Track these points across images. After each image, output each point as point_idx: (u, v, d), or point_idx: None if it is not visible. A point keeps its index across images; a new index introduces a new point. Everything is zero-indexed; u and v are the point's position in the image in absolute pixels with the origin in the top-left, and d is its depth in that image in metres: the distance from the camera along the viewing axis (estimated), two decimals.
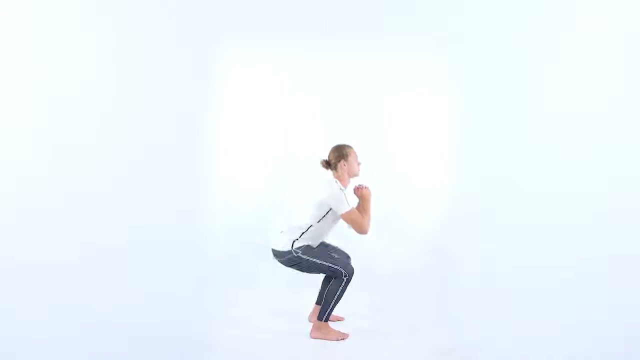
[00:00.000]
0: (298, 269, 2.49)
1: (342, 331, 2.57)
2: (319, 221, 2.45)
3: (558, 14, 3.38)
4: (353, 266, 2.49)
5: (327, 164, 2.56)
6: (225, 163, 3.84)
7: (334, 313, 2.70)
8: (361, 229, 2.42)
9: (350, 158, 2.55)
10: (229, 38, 3.73)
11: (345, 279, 2.44)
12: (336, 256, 2.51)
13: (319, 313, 2.51)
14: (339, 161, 2.52)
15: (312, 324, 2.58)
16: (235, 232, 3.75)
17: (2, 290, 2.70)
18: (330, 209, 2.44)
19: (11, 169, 3.23)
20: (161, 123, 3.44)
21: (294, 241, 2.44)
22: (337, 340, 2.50)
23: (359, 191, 2.55)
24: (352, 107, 3.89)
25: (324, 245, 2.58)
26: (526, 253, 3.09)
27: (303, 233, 2.45)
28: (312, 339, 2.54)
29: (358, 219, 2.41)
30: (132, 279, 2.86)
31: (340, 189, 2.46)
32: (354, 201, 2.50)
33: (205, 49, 3.56)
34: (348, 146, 2.58)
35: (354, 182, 2.62)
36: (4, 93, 3.28)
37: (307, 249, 2.44)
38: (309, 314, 2.76)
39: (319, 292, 2.69)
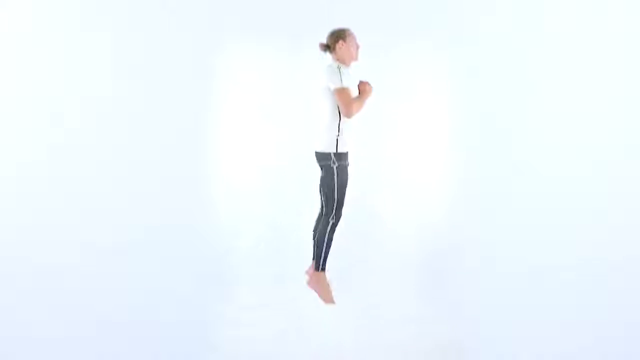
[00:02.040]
0: (322, 176, 2.48)
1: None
2: (337, 109, 2.44)
3: (558, 14, 3.37)
4: (343, 215, 2.50)
5: (325, 47, 2.55)
6: (226, 163, 3.84)
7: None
8: (348, 109, 2.40)
9: (348, 39, 2.54)
10: (229, 38, 3.73)
11: (332, 222, 2.48)
12: (343, 200, 2.50)
13: (315, 263, 2.52)
14: (337, 42, 2.51)
15: (307, 275, 2.58)
16: (235, 232, 3.75)
17: (2, 290, 2.71)
18: None
19: (11, 169, 3.24)
20: (161, 123, 3.45)
21: (335, 148, 2.42)
22: (326, 303, 2.49)
23: (362, 85, 2.55)
24: None
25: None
26: (526, 253, 3.09)
27: (338, 135, 2.44)
28: (312, 339, 2.54)
29: (349, 100, 2.40)
30: (132, 279, 2.86)
31: (338, 67, 2.44)
32: (353, 87, 2.46)
33: (205, 49, 3.56)
34: (346, 28, 2.57)
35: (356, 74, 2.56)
36: (4, 93, 3.29)
37: (341, 167, 2.44)
38: (307, 268, 2.73)
39: (312, 247, 2.69)
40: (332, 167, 2.47)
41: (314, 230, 2.65)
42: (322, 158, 2.50)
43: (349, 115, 2.41)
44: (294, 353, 2.45)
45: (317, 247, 2.53)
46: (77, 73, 3.34)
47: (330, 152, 2.46)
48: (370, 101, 2.54)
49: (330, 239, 2.51)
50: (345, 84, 2.40)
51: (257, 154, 3.91)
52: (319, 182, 2.55)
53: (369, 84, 2.57)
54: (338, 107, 2.44)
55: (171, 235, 3.23)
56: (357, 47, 2.57)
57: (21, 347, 2.28)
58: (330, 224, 2.50)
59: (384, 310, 3.08)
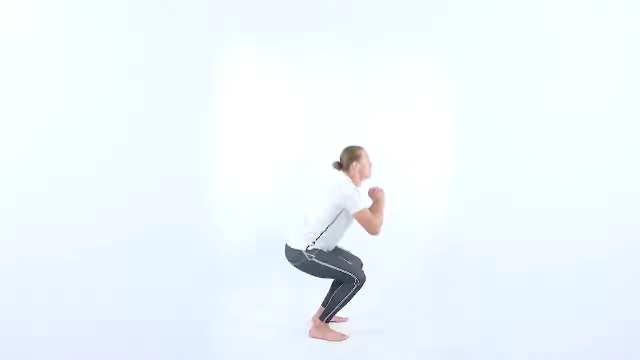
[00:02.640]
0: (311, 274, 2.50)
1: (343, 333, 2.57)
2: (332, 223, 2.45)
3: (558, 14, 3.37)
4: (365, 273, 2.49)
5: (339, 165, 2.57)
6: (226, 163, 3.84)
7: (337, 314, 2.70)
8: (373, 229, 2.43)
9: (362, 159, 2.56)
10: (230, 38, 3.73)
11: (356, 285, 2.45)
12: (349, 262, 2.51)
13: (323, 313, 2.52)
14: (351, 162, 2.53)
15: (312, 323, 2.59)
16: (235, 232, 3.75)
17: (2, 290, 2.70)
18: (343, 210, 2.44)
19: (11, 169, 3.23)
20: (162, 123, 3.44)
21: (307, 246, 2.44)
22: (339, 340, 2.50)
23: (374, 193, 2.56)
24: (352, 107, 3.89)
25: (337, 250, 2.58)
26: (526, 253, 3.09)
27: (317, 238, 2.45)
28: (312, 339, 2.54)
29: (371, 219, 2.42)
30: (132, 279, 2.86)
31: (354, 188, 2.46)
32: (366, 202, 2.51)
33: (205, 49, 3.56)
34: (360, 147, 2.60)
35: (365, 185, 2.62)
36: (4, 93, 3.28)
37: (320, 253, 2.44)
38: (313, 314, 2.77)
39: (327, 294, 2.69)
40: (310, 261, 2.46)
41: (333, 284, 2.63)
42: (294, 258, 2.50)
43: (377, 233, 2.45)
44: (294, 353, 2.44)
45: (331, 301, 2.51)
46: (77, 73, 3.34)
47: (301, 249, 2.46)
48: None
49: (350, 298, 2.50)
50: (364, 203, 2.43)
51: (257, 154, 3.91)
52: (322, 277, 2.55)
53: (379, 190, 2.59)
54: (332, 222, 2.46)
55: (171, 235, 3.23)
56: (370, 165, 2.59)
57: (21, 347, 2.28)
58: (355, 286, 2.47)
59: (384, 311, 3.08)
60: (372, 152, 3.64)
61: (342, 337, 2.53)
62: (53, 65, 3.37)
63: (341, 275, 2.44)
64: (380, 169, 3.73)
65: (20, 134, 3.31)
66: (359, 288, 2.47)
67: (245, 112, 3.92)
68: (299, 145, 3.89)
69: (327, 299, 2.67)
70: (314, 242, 2.44)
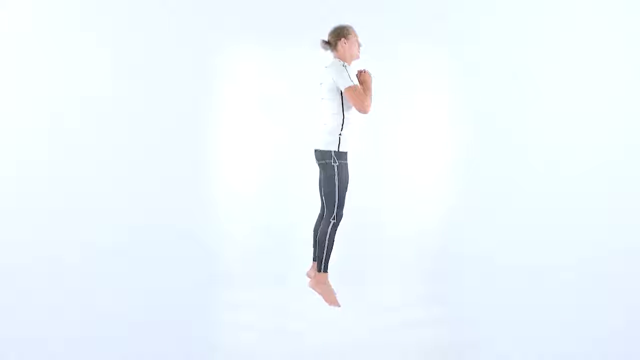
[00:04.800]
0: (322, 174, 2.48)
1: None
2: (341, 108, 2.43)
3: (558, 14, 3.37)
4: (343, 213, 2.49)
5: (327, 44, 2.54)
6: (225, 163, 3.84)
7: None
8: (363, 105, 2.39)
9: (350, 37, 2.52)
10: (230, 38, 3.72)
11: (332, 222, 2.46)
12: (344, 200, 2.50)
13: (317, 263, 2.50)
14: (339, 39, 2.50)
15: (311, 278, 2.57)
16: (235, 232, 3.75)
17: (2, 290, 2.70)
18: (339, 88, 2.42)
19: (11, 169, 3.24)
20: (161, 123, 3.44)
21: (339, 139, 2.42)
22: (330, 304, 2.48)
23: (361, 75, 2.53)
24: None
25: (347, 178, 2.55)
26: (526, 253, 3.09)
27: (341, 133, 2.43)
28: (312, 342, 2.54)
29: (360, 95, 2.38)
30: (131, 278, 2.86)
31: (343, 65, 2.43)
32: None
33: (205, 49, 3.56)
34: (348, 25, 2.56)
35: (355, 66, 2.55)
36: (4, 93, 3.29)
37: (343, 167, 2.44)
38: (307, 270, 2.72)
39: (313, 247, 2.67)
40: (333, 166, 2.45)
41: (315, 231, 2.64)
42: (323, 156, 2.48)
43: (366, 111, 2.39)
44: (294, 353, 2.44)
45: (318, 248, 2.52)
46: (77, 73, 3.34)
47: (332, 150, 2.45)
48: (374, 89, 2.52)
49: (332, 240, 2.49)
50: (355, 81, 2.39)
51: (256, 154, 3.90)
52: (319, 182, 2.54)
53: (367, 72, 2.54)
54: (342, 106, 2.43)
55: (171, 235, 3.23)
56: (359, 45, 2.55)
57: (21, 347, 2.28)
58: (332, 224, 2.48)
59: (384, 311, 3.08)
60: (372, 152, 3.65)
61: (334, 301, 2.51)
62: (53, 65, 3.38)
63: (333, 198, 2.45)
64: (380, 169, 3.74)
65: (20, 134, 3.32)
66: (336, 225, 2.48)
67: (244, 112, 3.92)
68: (298, 145, 3.89)
69: (314, 250, 2.66)
70: (339, 139, 2.43)
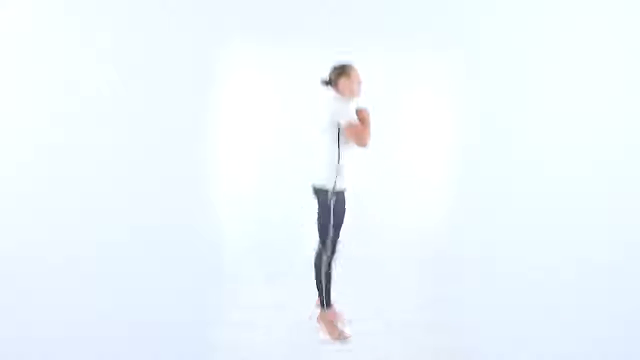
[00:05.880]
0: (318, 207, 2.49)
1: (346, 333, 2.57)
2: (339, 143, 2.43)
3: (558, 14, 3.37)
4: (338, 251, 2.49)
5: (328, 82, 2.54)
6: (225, 163, 3.84)
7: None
8: (361, 139, 2.40)
9: (351, 75, 2.53)
10: (230, 38, 3.72)
11: (325, 256, 2.47)
12: (338, 235, 2.50)
13: (319, 299, 2.51)
14: (340, 78, 2.50)
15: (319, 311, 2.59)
16: (235, 232, 3.75)
17: (2, 290, 2.71)
18: (338, 124, 2.42)
19: (11, 169, 3.24)
20: (161, 123, 3.45)
21: (335, 180, 2.42)
22: (334, 340, 2.49)
23: (360, 113, 2.53)
24: None
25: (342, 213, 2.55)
26: (526, 253, 3.09)
27: (337, 170, 2.43)
28: (312, 339, 2.54)
29: (359, 129, 2.39)
30: (131, 278, 2.86)
31: (343, 101, 2.43)
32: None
33: (205, 48, 3.56)
34: (349, 64, 2.57)
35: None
36: (4, 93, 3.29)
37: (339, 202, 2.44)
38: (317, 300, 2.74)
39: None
40: (329, 204, 2.46)
41: (315, 265, 2.63)
42: (319, 193, 2.49)
43: (365, 145, 2.41)
44: (294, 353, 2.44)
45: (317, 285, 2.52)
46: (77, 73, 3.34)
47: (328, 189, 2.45)
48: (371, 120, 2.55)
49: (328, 275, 2.49)
50: (353, 117, 2.40)
51: (256, 154, 3.91)
52: (316, 217, 2.55)
53: (365, 110, 2.56)
54: (338, 140, 2.44)
55: (171, 235, 3.23)
56: (359, 82, 2.56)
57: (21, 347, 2.28)
58: (324, 258, 2.49)
59: (384, 311, 3.08)
60: (372, 152, 3.65)
61: (336, 337, 2.52)
62: (53, 65, 3.38)
63: (326, 230, 2.45)
64: (380, 169, 3.74)
65: (20, 134, 3.32)
66: (330, 259, 2.49)
67: (244, 112, 3.92)
68: (297, 145, 3.89)
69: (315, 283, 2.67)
70: (335, 178, 2.43)
